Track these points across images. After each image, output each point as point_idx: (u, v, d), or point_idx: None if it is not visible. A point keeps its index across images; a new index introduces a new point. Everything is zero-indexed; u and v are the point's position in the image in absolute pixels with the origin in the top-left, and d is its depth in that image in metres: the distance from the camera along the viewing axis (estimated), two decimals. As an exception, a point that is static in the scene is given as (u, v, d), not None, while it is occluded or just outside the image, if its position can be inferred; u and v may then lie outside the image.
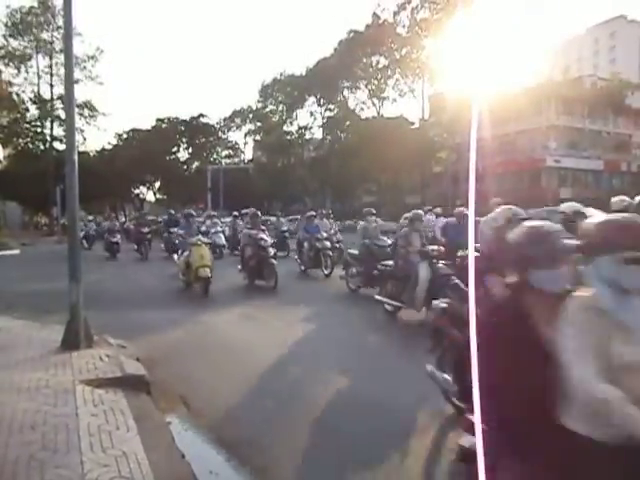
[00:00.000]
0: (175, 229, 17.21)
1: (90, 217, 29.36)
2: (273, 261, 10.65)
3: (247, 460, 3.43)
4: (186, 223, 12.24)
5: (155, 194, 60.31)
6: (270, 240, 11.16)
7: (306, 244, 13.36)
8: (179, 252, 11.68)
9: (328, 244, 13.10)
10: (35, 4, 40.98)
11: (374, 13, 45.14)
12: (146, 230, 19.29)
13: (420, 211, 8.11)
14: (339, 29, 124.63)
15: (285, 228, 19.64)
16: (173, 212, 21.35)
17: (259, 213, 12.18)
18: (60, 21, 35.87)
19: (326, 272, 12.61)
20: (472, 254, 2.38)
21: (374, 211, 10.67)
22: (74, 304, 5.67)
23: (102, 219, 31.95)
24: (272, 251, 10.84)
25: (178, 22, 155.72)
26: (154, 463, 3.11)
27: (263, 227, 11.66)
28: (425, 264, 7.18)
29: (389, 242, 9.60)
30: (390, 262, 8.04)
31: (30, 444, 3.28)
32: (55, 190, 34.96)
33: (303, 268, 13.53)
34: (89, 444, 3.28)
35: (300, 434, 3.82)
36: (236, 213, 20.44)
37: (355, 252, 10.26)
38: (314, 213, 14.82)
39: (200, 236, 11.13)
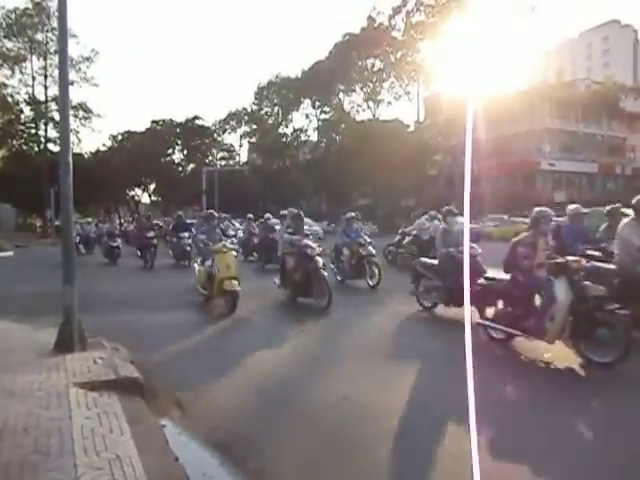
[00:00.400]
0: (185, 233, 16.11)
1: (89, 219, 27.82)
2: (324, 274, 8.66)
3: (242, 463, 3.42)
4: (208, 226, 10.28)
5: (150, 196, 60.30)
6: (318, 248, 9.17)
7: (346, 250, 11.52)
8: (198, 260, 10.05)
9: (373, 250, 11.45)
10: (30, 5, 40.92)
11: (369, 16, 45.40)
12: (151, 235, 16.89)
13: (547, 209, 6.06)
14: (335, 32, 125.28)
15: (308, 232, 18.07)
16: (182, 214, 19.75)
17: (302, 214, 10.28)
18: (55, 22, 35.79)
19: (371, 283, 10.88)
20: (467, 255, 2.39)
21: (456, 210, 8.29)
22: (68, 306, 5.64)
23: (97, 221, 31.07)
24: (321, 261, 8.83)
25: (173, 24, 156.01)
26: (148, 466, 3.09)
27: (307, 232, 9.73)
28: (564, 281, 5.34)
29: (480, 250, 7.87)
30: (496, 275, 6.30)
31: (23, 447, 3.25)
32: (49, 192, 34.86)
33: (340, 278, 11.70)
34: (82, 447, 3.26)
35: (297, 438, 3.80)
36: (250, 215, 19.13)
37: (430, 262, 8.27)
38: (354, 214, 12.83)
39: (227, 241, 9.48)
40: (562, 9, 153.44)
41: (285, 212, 12.57)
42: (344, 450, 3.56)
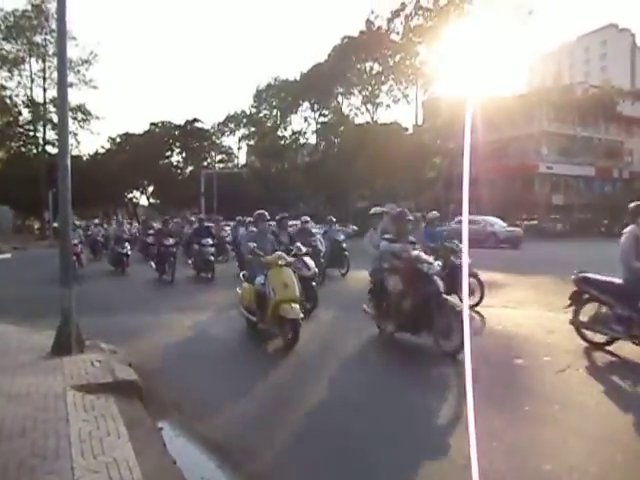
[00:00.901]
0: (207, 240, 14.24)
1: (96, 220, 25.56)
2: (453, 302, 5.89)
3: (239, 467, 3.41)
4: (257, 232, 7.89)
5: (148, 198, 60.27)
6: (436, 263, 6.44)
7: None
8: (241, 275, 7.99)
9: (468, 259, 9.07)
10: (29, 7, 40.94)
11: (368, 20, 45.47)
12: (171, 242, 14.00)
13: None
14: (333, 35, 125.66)
15: (342, 237, 14.64)
16: (203, 217, 16.51)
17: (407, 213, 7.20)
18: (54, 25, 35.78)
19: (469, 302, 8.32)
20: (466, 257, 2.39)
21: None
22: (66, 309, 5.63)
23: (104, 223, 29.17)
24: (441, 283, 6.16)
25: (173, 27, 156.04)
26: (145, 469, 3.08)
27: (412, 239, 6.87)
28: None
29: None
30: None
31: (20, 450, 3.24)
32: (47, 194, 34.83)
33: None
34: (80, 450, 3.25)
35: (295, 441, 3.80)
36: (278, 217, 16.83)
37: (606, 280, 6.05)
38: (437, 214, 10.32)
39: (285, 253, 7.23)
40: (560, 13, 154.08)
41: (378, 210, 9.13)
42: (344, 453, 3.55)
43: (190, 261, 15.02)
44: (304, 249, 8.29)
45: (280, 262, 6.83)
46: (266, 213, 8.02)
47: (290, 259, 7.12)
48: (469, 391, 1.78)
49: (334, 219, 15.64)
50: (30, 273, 15.96)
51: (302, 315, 6.44)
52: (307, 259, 8.52)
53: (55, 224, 31.47)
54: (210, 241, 14.32)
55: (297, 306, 6.43)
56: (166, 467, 3.31)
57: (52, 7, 36.97)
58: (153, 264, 14.32)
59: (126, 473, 3.00)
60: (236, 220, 17.88)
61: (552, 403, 4.31)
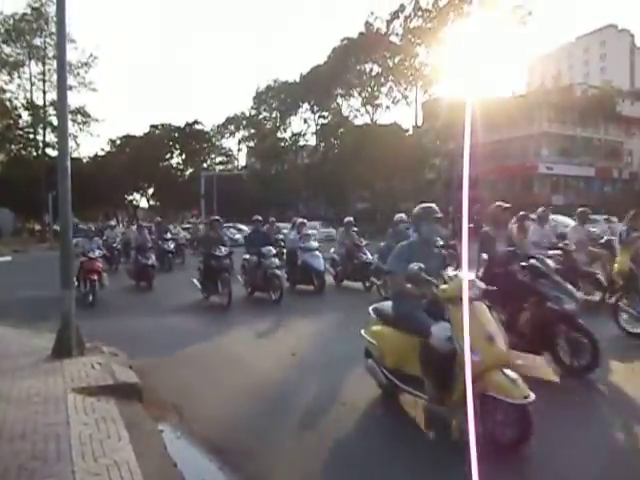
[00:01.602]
0: (270, 249, 10.72)
1: (112, 222, 23.08)
2: None
3: (240, 469, 3.41)
4: (419, 240, 4.45)
5: (148, 200, 60.35)
6: None
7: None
8: (371, 310, 4.74)
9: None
10: (28, 11, 40.99)
11: (367, 21, 45.53)
12: (224, 252, 10.29)
13: None
14: (333, 37, 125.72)
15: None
16: (260, 219, 11.59)
17: None
18: (53, 28, 35.80)
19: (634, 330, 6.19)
20: (466, 259, 2.39)
21: None
22: (66, 311, 5.62)
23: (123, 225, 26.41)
24: None
25: (173, 29, 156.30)
26: (146, 471, 3.08)
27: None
28: None
29: None
30: None
31: (20, 453, 3.23)
32: (47, 196, 34.84)
33: None
34: (80, 453, 3.24)
35: (294, 443, 3.79)
36: (350, 218, 12.99)
37: None
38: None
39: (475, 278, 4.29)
40: (559, 14, 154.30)
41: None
42: (342, 455, 3.55)
43: (241, 277, 11.28)
44: (550, 262, 5.42)
45: (472, 294, 3.73)
46: (434, 207, 4.48)
47: (481, 285, 3.91)
48: (469, 391, 1.78)
49: (406, 216, 12.52)
50: (30, 276, 15.94)
51: (533, 396, 3.32)
52: (562, 280, 5.28)
53: (56, 226, 31.44)
54: (273, 250, 10.82)
55: (517, 377, 3.46)
56: (167, 469, 3.31)
57: (52, 10, 37.04)
58: (196, 281, 10.76)
59: (127, 475, 2.99)
60: (270, 222, 14.81)
61: (553, 404, 4.33)
